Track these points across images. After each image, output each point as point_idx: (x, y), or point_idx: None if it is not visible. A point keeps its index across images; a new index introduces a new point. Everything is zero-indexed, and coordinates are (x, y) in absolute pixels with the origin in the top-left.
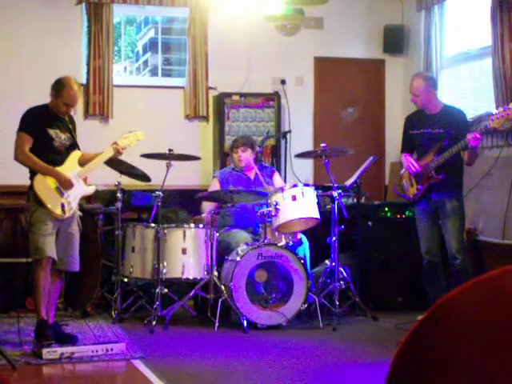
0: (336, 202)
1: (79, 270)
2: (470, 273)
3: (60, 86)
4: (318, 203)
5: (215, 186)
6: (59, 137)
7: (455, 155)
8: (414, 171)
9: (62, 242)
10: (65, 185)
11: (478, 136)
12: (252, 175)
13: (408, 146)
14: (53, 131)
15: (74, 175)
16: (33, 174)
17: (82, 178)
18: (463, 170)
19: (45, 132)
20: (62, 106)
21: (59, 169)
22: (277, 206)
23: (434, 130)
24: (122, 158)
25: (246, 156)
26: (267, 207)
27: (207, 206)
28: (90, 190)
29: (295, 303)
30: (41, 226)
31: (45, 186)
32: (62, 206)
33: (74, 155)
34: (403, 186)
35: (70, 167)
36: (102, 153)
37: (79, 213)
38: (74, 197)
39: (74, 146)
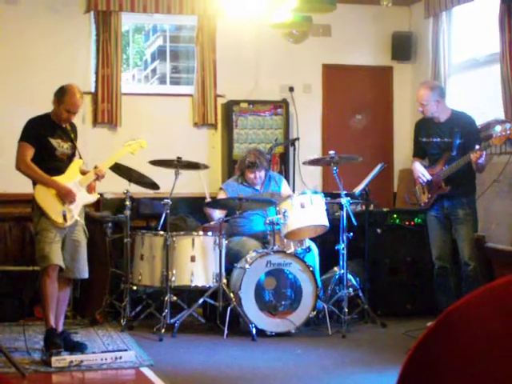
0: (345, 210)
1: (88, 278)
2: (481, 279)
3: (62, 93)
4: (327, 210)
5: (223, 197)
6: (61, 146)
7: (461, 168)
8: (425, 181)
9: (68, 250)
10: (66, 197)
11: (483, 154)
12: (261, 187)
13: (419, 151)
14: (55, 141)
15: (75, 183)
16: (35, 183)
17: (85, 187)
18: (475, 175)
19: (47, 141)
20: (63, 113)
21: (60, 178)
22: (285, 214)
23: (442, 138)
24: (131, 165)
25: (262, 175)
26: (276, 215)
27: (214, 213)
28: (93, 197)
29: (304, 310)
30: (46, 234)
31: (46, 195)
32: (64, 214)
33: (76, 164)
34: (415, 192)
35: (71, 176)
36: (86, 172)
37: (82, 221)
38: (75, 205)
39: (75, 154)
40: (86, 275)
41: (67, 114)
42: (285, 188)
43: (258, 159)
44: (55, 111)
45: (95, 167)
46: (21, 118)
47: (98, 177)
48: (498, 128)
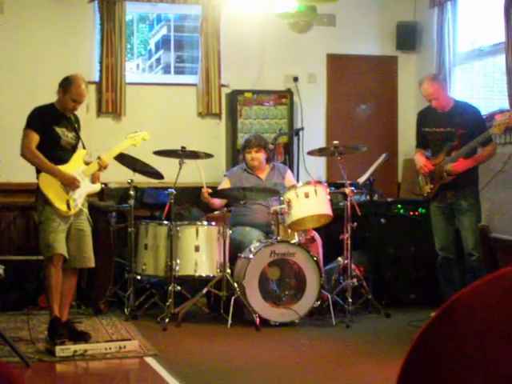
0: (349, 199)
1: (92, 268)
2: (485, 269)
3: (68, 83)
4: (331, 200)
5: (226, 185)
6: (66, 135)
7: (469, 152)
8: (427, 171)
9: (73, 241)
10: (70, 185)
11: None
12: (264, 176)
13: (422, 141)
14: (59, 129)
15: (79, 173)
16: (39, 172)
17: (89, 177)
18: (478, 165)
19: (52, 130)
20: (69, 102)
21: (64, 167)
22: (289, 204)
23: (445, 128)
24: (135, 155)
25: (259, 157)
26: (280, 205)
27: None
28: (96, 187)
29: (308, 300)
30: (50, 224)
31: (50, 184)
32: (67, 202)
33: (80, 154)
34: (418, 183)
35: (75, 166)
36: (90, 163)
37: (86, 210)
38: (79, 194)
39: (78, 145)
40: (92, 264)
41: (73, 103)
42: (289, 178)
43: (254, 138)
44: (60, 101)
45: (98, 158)
46: (24, 108)
47: (101, 167)
48: (498, 117)
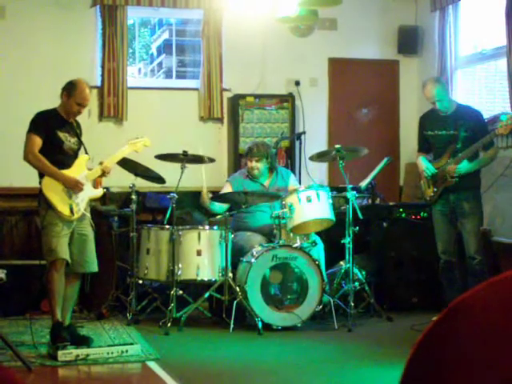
0: (351, 203)
1: (94, 272)
2: (487, 273)
3: (72, 87)
4: (333, 204)
5: (227, 190)
6: (68, 140)
7: (472, 155)
8: (430, 175)
9: (76, 245)
10: (74, 188)
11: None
12: (267, 182)
13: (424, 145)
14: (62, 134)
15: (82, 177)
16: (41, 176)
17: (91, 182)
18: (480, 169)
19: (54, 134)
20: (74, 106)
21: (68, 171)
22: (291, 208)
23: (448, 131)
24: (137, 159)
25: (259, 166)
26: (282, 209)
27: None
28: (98, 192)
29: (310, 304)
30: (53, 228)
31: (53, 188)
32: (70, 207)
33: (82, 159)
34: (421, 186)
35: (77, 170)
36: (91, 168)
37: (88, 215)
38: (81, 198)
39: (80, 150)
40: (95, 269)
41: (77, 107)
42: (292, 182)
43: (256, 147)
44: (64, 105)
45: (101, 163)
46: (26, 112)
47: (104, 173)
48: (504, 117)
